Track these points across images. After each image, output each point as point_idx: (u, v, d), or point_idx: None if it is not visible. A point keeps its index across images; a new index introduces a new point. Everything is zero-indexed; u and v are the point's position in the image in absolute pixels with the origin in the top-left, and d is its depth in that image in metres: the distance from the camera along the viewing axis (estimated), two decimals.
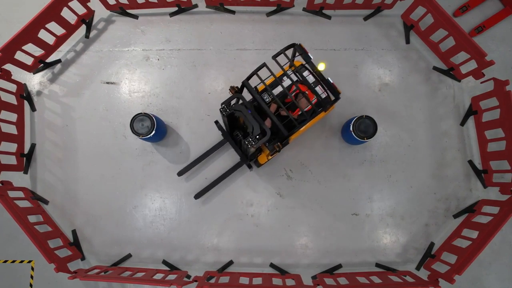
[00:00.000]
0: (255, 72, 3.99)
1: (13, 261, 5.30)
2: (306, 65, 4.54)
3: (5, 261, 5.29)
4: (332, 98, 4.53)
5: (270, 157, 4.81)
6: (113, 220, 5.35)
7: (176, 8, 5.75)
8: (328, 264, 5.25)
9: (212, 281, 4.68)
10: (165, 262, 5.25)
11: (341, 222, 5.33)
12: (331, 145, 5.48)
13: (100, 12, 5.77)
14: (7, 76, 5.18)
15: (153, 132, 4.86)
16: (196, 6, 5.80)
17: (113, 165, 5.44)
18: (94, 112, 5.57)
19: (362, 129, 4.90)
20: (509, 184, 4.97)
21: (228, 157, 5.44)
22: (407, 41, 5.74)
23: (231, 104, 4.05)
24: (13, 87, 5.39)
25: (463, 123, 5.53)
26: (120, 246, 5.30)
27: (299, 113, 4.54)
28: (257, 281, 4.69)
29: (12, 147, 5.27)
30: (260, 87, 4.81)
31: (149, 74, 5.66)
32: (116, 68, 5.68)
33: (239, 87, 4.11)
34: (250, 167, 5.13)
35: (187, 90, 5.61)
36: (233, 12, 5.80)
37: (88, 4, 5.50)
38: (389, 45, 5.73)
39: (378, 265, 5.25)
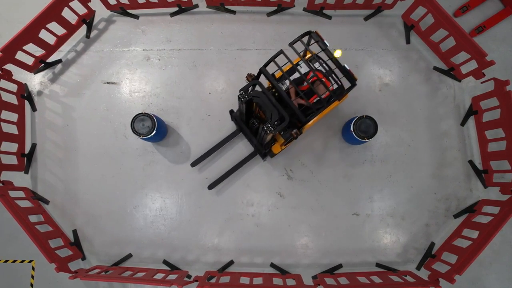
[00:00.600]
0: (272, 59, 3.98)
1: (14, 261, 5.30)
2: (319, 55, 4.50)
3: (6, 261, 5.30)
4: (345, 87, 4.49)
5: (284, 146, 4.78)
6: (113, 220, 5.35)
7: (177, 8, 5.75)
8: (328, 264, 5.26)
9: (213, 281, 4.68)
10: (165, 262, 5.25)
11: (341, 222, 5.34)
12: (331, 145, 5.48)
13: (101, 12, 5.78)
14: (8, 76, 5.18)
15: (154, 132, 4.86)
16: (196, 6, 5.80)
17: (113, 165, 5.44)
18: (94, 112, 5.57)
19: (363, 129, 4.90)
20: (509, 184, 4.97)
21: (233, 153, 5.44)
22: (408, 41, 5.74)
23: (249, 90, 4.00)
24: (14, 87, 5.39)
25: (463, 123, 5.53)
26: (121, 246, 5.31)
27: (315, 100, 4.52)
28: (258, 281, 4.69)
29: (13, 147, 5.27)
30: (277, 74, 4.77)
31: (149, 74, 5.67)
32: (116, 68, 5.69)
33: (256, 74, 4.07)
34: (265, 156, 5.09)
35: (188, 90, 5.61)
36: (233, 12, 5.81)
37: (89, 4, 5.50)
38: (390, 45, 5.74)
39: (378, 265, 5.25)
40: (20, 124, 5.41)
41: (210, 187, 5.25)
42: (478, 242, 4.57)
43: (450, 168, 5.45)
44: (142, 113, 4.91)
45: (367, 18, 5.79)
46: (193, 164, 5.27)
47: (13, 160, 5.25)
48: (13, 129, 5.30)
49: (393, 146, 5.49)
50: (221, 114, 5.51)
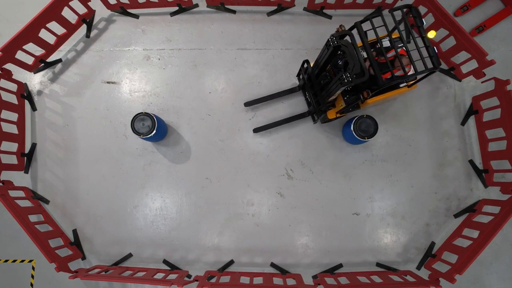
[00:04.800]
0: (369, 18, 3.97)
1: (14, 261, 5.30)
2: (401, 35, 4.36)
3: (6, 261, 5.29)
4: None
5: (339, 114, 4.78)
6: (114, 220, 5.35)
7: (177, 8, 5.74)
8: (328, 264, 5.25)
9: (213, 280, 4.68)
10: (165, 262, 5.25)
11: (341, 222, 5.33)
12: (332, 144, 5.48)
13: (101, 12, 5.77)
14: (7, 75, 5.18)
15: (154, 131, 4.86)
16: (197, 5, 5.79)
17: (113, 164, 5.44)
18: (94, 111, 5.57)
19: (363, 128, 4.90)
20: (509, 184, 4.96)
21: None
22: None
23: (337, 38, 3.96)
24: (13, 87, 5.39)
25: (463, 122, 5.53)
26: (121, 246, 5.30)
27: (390, 76, 4.36)
28: (258, 280, 4.69)
29: (13, 146, 5.27)
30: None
31: (149, 73, 5.66)
32: (116, 67, 5.68)
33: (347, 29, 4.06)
34: (324, 112, 4.94)
35: (188, 89, 5.61)
36: (233, 11, 5.80)
37: (89, 3, 5.50)
38: None
39: (378, 264, 5.25)
40: (20, 123, 5.40)
41: (256, 130, 5.34)
42: (479, 242, 4.57)
43: (450, 167, 5.45)
44: (142, 112, 4.91)
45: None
46: (247, 104, 5.38)
47: (13, 159, 5.24)
48: (13, 129, 5.29)
49: (393, 146, 5.49)
50: (222, 113, 5.50)
